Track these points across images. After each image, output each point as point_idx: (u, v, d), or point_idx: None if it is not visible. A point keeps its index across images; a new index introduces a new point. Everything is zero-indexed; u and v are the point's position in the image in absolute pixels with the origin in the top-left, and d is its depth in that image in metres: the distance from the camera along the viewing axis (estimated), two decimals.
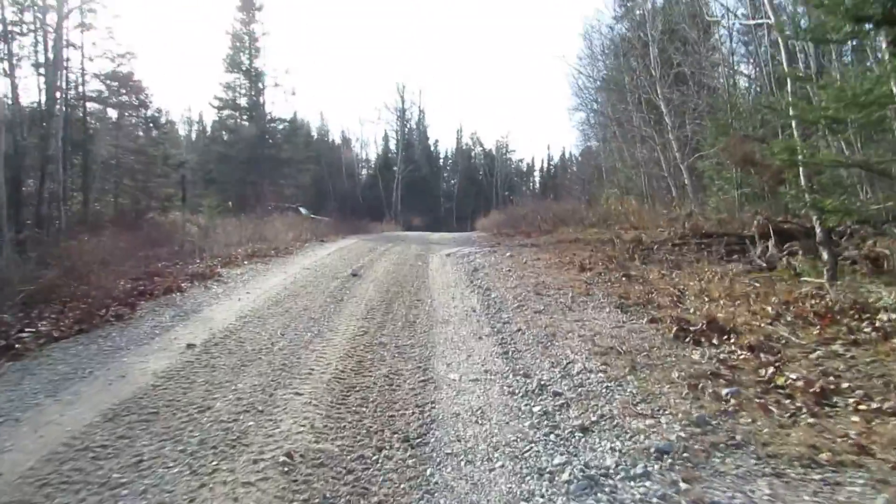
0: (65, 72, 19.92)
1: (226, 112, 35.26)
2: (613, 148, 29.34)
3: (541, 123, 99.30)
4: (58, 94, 20.09)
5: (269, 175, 33.42)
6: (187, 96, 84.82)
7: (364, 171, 61.63)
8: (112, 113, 21.55)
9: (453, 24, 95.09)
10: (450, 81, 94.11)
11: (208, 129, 44.10)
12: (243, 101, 34.80)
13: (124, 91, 21.38)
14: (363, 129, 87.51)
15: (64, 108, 20.40)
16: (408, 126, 59.44)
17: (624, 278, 7.17)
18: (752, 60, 18.91)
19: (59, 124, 18.30)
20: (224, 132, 35.73)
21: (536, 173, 71.95)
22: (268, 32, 34.19)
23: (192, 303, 6.63)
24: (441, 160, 65.44)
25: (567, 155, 67.71)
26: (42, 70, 20.20)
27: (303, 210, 33.13)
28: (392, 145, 59.54)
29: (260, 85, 34.66)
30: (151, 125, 22.98)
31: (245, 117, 35.12)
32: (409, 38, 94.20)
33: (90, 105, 21.10)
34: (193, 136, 55.03)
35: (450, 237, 21.26)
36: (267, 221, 19.49)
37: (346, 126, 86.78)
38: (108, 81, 21.11)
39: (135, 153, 21.43)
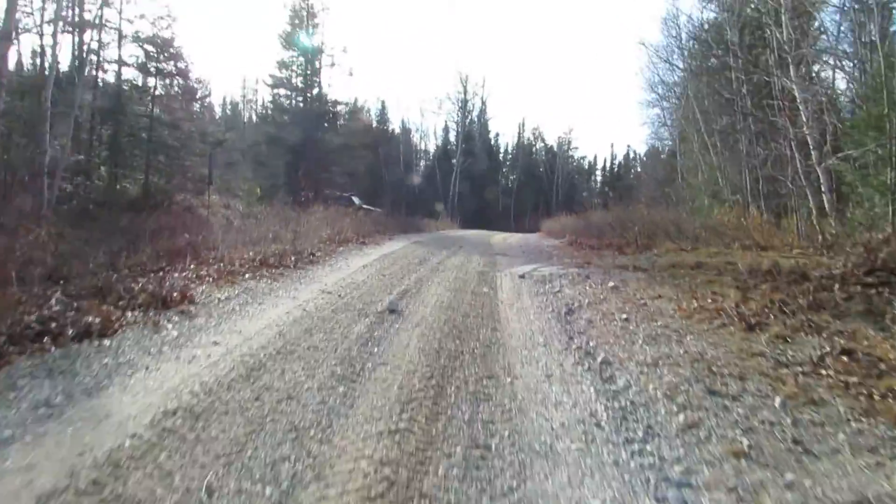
0: (95, 32, 17.95)
1: (280, 91, 33.23)
2: (697, 146, 26.10)
3: (605, 120, 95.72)
4: (88, 56, 18.23)
5: (322, 161, 31.19)
6: (243, 74, 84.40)
7: (422, 163, 59.97)
8: (147, 81, 19.50)
9: (518, 13, 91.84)
10: (513, 74, 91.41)
11: (261, 109, 42.21)
12: (298, 81, 32.68)
13: (162, 57, 19.28)
14: (423, 120, 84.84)
15: (94, 72, 18.53)
16: (469, 118, 57.22)
17: (840, 353, 4.16)
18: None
19: (79, 90, 16.31)
20: (276, 113, 33.68)
21: (598, 172, 69.30)
22: (327, 7, 31.81)
23: (87, 381, 3.96)
24: (501, 154, 63.36)
25: (632, 154, 64.71)
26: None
27: (356, 200, 30.92)
28: (452, 137, 57.76)
29: (316, 64, 32.47)
30: (190, 98, 20.79)
31: (300, 98, 33.00)
32: (474, 27, 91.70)
33: (124, 71, 19.15)
34: (246, 116, 53.80)
35: (515, 242, 18.31)
36: (308, 213, 17.03)
37: (407, 116, 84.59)
38: (146, 46, 19.06)
39: (169, 127, 19.30)
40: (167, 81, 19.95)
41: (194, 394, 3.44)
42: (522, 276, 8.87)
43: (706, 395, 3.57)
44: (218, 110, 59.45)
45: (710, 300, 6.19)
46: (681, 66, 29.26)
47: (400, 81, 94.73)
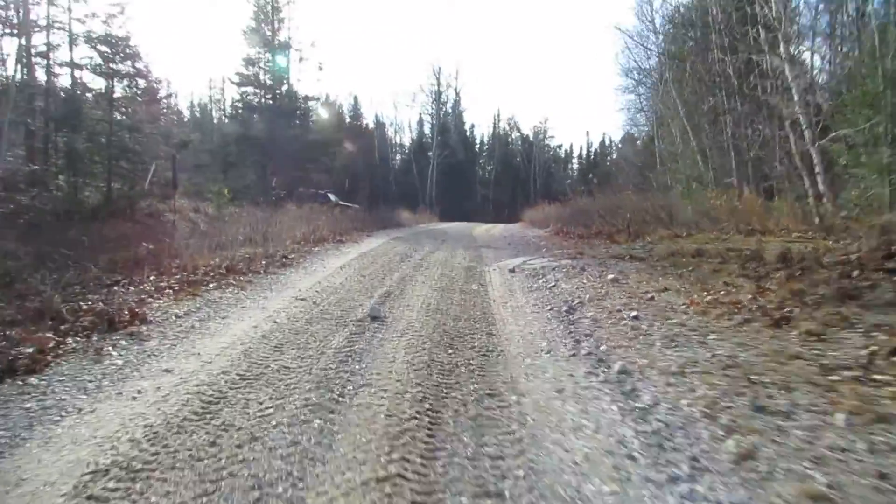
0: (42, 34, 16.93)
1: (247, 89, 32.23)
2: (678, 131, 25.81)
3: (579, 108, 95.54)
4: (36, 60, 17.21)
5: (295, 159, 30.34)
6: (210, 74, 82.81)
7: (398, 157, 59.54)
8: (101, 84, 18.49)
9: (490, 4, 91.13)
10: (487, 64, 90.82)
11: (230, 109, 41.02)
12: (266, 78, 31.73)
13: (118, 58, 18.29)
14: (397, 114, 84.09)
15: (46, 77, 17.51)
16: (443, 110, 56.82)
17: (890, 353, 3.62)
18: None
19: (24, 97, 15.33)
20: (245, 111, 32.67)
21: (574, 160, 69.38)
22: (293, 1, 30.84)
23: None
24: (477, 146, 63.16)
25: (607, 141, 64.92)
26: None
27: (332, 196, 30.17)
28: (427, 129, 57.39)
29: (284, 60, 31.55)
30: (151, 99, 19.80)
31: (268, 95, 32.06)
32: (445, 18, 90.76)
33: (78, 74, 18.11)
34: (216, 117, 52.45)
35: (499, 234, 17.76)
36: (281, 212, 16.28)
37: (380, 110, 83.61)
38: (100, 46, 18.05)
39: (130, 130, 18.34)
40: (125, 83, 18.99)
41: (135, 442, 2.78)
42: (513, 271, 8.28)
43: (753, 412, 2.98)
44: (186, 112, 57.79)
45: (722, 292, 5.65)
46: (656, 50, 29.02)
47: (372, 76, 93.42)
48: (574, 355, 4.24)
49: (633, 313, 5.18)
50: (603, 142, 66.43)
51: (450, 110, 58.43)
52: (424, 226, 24.61)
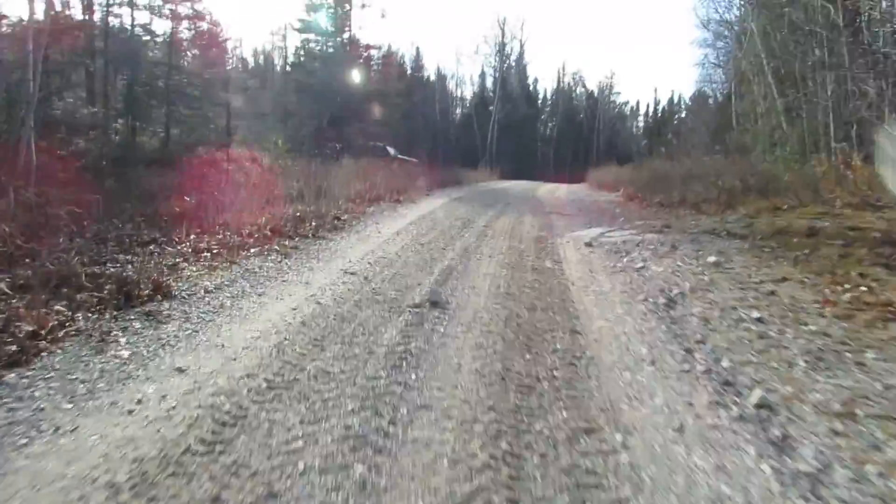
0: None
1: (309, 36, 31.40)
2: (761, 87, 23.72)
3: (647, 64, 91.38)
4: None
5: (355, 109, 29.58)
6: (274, 21, 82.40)
7: (458, 111, 58.24)
8: (161, 26, 18.01)
9: None
10: (552, 15, 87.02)
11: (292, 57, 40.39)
12: (328, 25, 30.79)
13: None
14: (459, 67, 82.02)
15: (105, 17, 17.08)
16: (507, 62, 54.80)
17: None
18: None
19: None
20: (305, 59, 31.93)
21: (640, 118, 66.47)
22: None
23: None
24: (539, 101, 61.00)
25: (676, 99, 61.75)
26: None
27: (390, 150, 29.42)
28: (489, 83, 55.79)
29: (347, 5, 30.48)
30: (209, 43, 19.23)
31: (330, 43, 31.18)
32: None
33: (136, 16, 17.62)
34: (278, 65, 52.07)
35: (565, 196, 16.65)
36: (337, 165, 15.59)
37: (442, 63, 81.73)
38: None
39: (188, 75, 17.86)
40: (185, 25, 18.44)
41: (113, 489, 2.04)
42: (589, 245, 7.28)
43: None
44: (251, 60, 58.00)
45: (863, 288, 4.54)
46: None
47: (434, 26, 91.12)
48: (687, 371, 3.30)
49: (755, 313, 4.16)
50: (671, 99, 63.32)
51: (513, 63, 56.47)
52: (485, 184, 23.57)
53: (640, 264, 6.04)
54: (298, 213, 8.34)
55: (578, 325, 4.18)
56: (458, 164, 36.37)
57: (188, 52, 18.44)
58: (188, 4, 17.78)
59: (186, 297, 4.28)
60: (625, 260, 6.35)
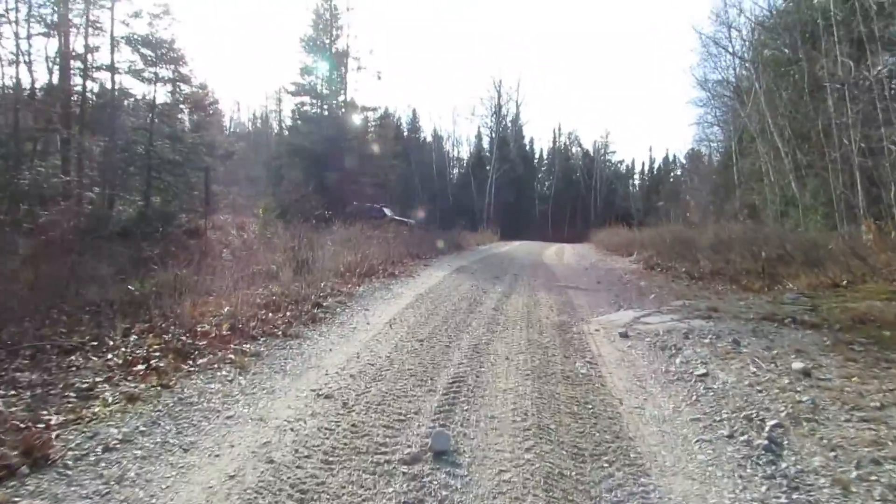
0: (81, 34, 15.60)
1: (303, 99, 30.89)
2: (766, 146, 23.01)
3: (641, 123, 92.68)
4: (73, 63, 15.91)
5: (350, 172, 28.73)
6: (269, 85, 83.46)
7: (455, 171, 58.13)
8: (144, 89, 17.09)
9: (552, 14, 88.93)
10: (548, 76, 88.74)
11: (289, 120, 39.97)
12: (323, 87, 30.32)
13: (161, 62, 16.87)
14: (456, 127, 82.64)
15: (83, 81, 16.16)
16: (503, 123, 54.98)
17: None
18: None
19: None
20: (300, 122, 31.31)
21: (636, 176, 66.62)
22: (352, 7, 29.36)
23: None
24: (536, 160, 61.16)
25: (671, 157, 62.12)
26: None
27: (387, 211, 28.47)
28: (486, 143, 56.00)
29: (342, 68, 30.09)
30: (195, 107, 18.31)
31: (324, 105, 30.62)
32: (507, 31, 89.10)
33: (117, 79, 16.72)
34: (275, 128, 51.85)
35: (573, 261, 15.42)
36: (328, 232, 14.38)
37: (439, 123, 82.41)
38: (142, 49, 16.67)
39: (171, 139, 16.85)
40: (168, 89, 17.56)
41: None
42: (625, 335, 5.93)
43: None
44: (248, 125, 57.93)
45: None
46: (739, 57, 26.43)
47: (431, 88, 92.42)
48: None
49: None
50: (666, 158, 63.83)
51: (509, 124, 56.89)
52: (486, 248, 22.33)
53: (701, 369, 4.67)
54: (274, 297, 7.02)
55: (651, 485, 2.81)
56: (456, 224, 35.51)
57: (172, 117, 17.44)
58: (171, 68, 16.96)
59: (72, 462, 2.85)
60: (677, 361, 4.99)
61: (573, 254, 19.65)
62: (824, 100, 17.94)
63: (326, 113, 29.85)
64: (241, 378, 4.24)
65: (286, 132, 36.72)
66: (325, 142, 27.60)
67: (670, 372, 4.74)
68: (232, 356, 4.61)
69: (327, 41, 29.65)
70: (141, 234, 14.71)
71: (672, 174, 62.73)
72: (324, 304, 7.00)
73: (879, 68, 13.65)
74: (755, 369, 4.58)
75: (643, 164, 66.74)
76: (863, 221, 10.43)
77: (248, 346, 5.00)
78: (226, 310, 6.00)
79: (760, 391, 4.11)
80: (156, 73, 16.80)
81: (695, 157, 47.90)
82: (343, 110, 30.36)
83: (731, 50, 27.78)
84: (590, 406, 3.94)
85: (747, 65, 25.71)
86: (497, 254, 18.48)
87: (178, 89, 17.30)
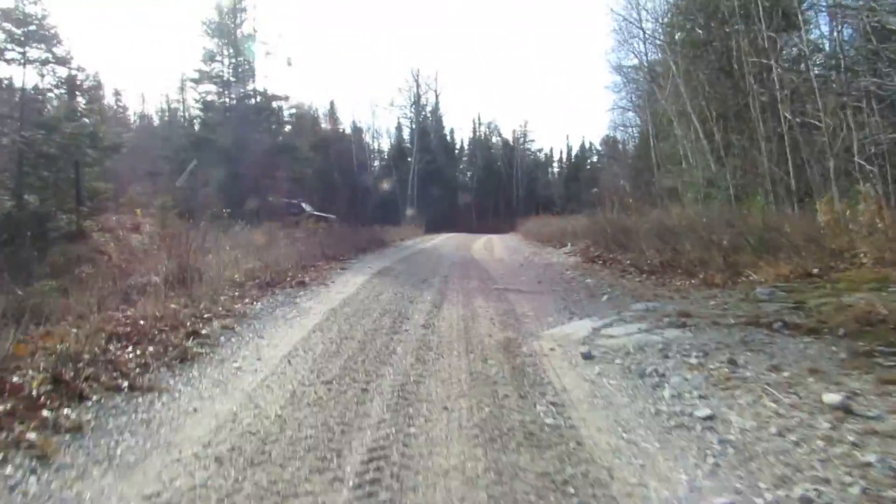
0: None
1: (208, 87, 28.47)
2: (684, 128, 22.87)
3: (558, 112, 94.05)
4: None
5: (263, 165, 26.67)
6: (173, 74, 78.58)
7: (376, 163, 56.71)
8: (12, 73, 14.66)
9: (468, 7, 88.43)
10: (465, 67, 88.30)
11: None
12: (229, 75, 28.03)
13: (30, 40, 14.49)
14: (375, 119, 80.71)
15: None
16: (423, 114, 53.98)
17: None
18: None
19: None
20: (205, 112, 28.88)
21: (555, 164, 67.46)
22: None
23: None
24: (457, 151, 60.52)
25: (587, 145, 63.50)
26: None
27: (306, 207, 26.68)
28: (406, 134, 55.04)
29: (249, 54, 27.93)
30: (74, 92, 15.94)
31: (231, 94, 28.34)
32: (424, 21, 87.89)
33: None
34: (185, 120, 48.43)
35: (506, 255, 14.30)
36: (233, 233, 12.62)
37: (358, 116, 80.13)
38: (5, 24, 14.24)
39: (45, 129, 14.51)
40: (40, 71, 15.15)
41: None
42: (589, 357, 4.71)
43: None
44: (155, 117, 53.88)
45: None
46: (654, 40, 26.33)
47: (349, 80, 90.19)
48: None
49: None
50: (583, 145, 65.16)
51: (429, 115, 56.19)
52: (411, 243, 20.95)
53: (703, 408, 3.50)
54: (142, 322, 5.39)
55: None
56: (378, 217, 34.20)
57: (46, 104, 15.08)
58: (43, 47, 14.61)
59: None
60: (666, 395, 3.80)
61: (503, 247, 18.58)
62: (743, 77, 17.64)
63: (234, 102, 27.63)
64: (31, 479, 2.69)
65: (192, 124, 34.03)
66: (233, 133, 25.47)
67: (662, 414, 3.54)
68: (32, 435, 3.03)
69: (231, 24, 27.40)
70: (7, 238, 12.51)
71: (589, 161, 64.02)
72: (203, 330, 5.39)
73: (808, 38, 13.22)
74: (774, 405, 3.44)
75: (561, 151, 67.85)
76: (818, 201, 9.69)
77: (69, 411, 3.40)
78: (61, 346, 4.37)
79: (799, 445, 2.96)
80: (24, 54, 14.42)
81: (611, 144, 48.47)
82: (253, 99, 28.24)
83: (645, 32, 27.58)
84: (571, 490, 2.66)
85: (663, 46, 25.56)
86: (423, 250, 17.13)
87: (52, 71, 14.93)
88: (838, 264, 6.92)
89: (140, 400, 3.69)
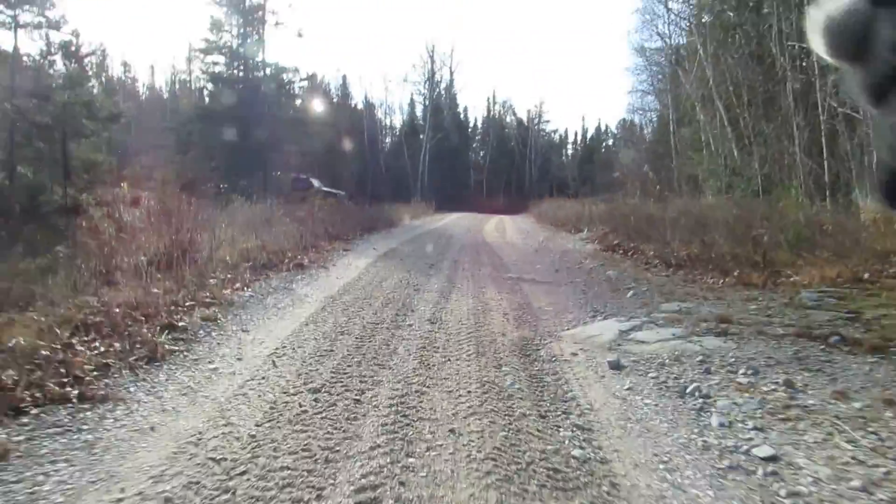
0: None
1: (215, 59, 27.70)
2: (705, 116, 22.09)
3: (575, 93, 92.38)
4: None
5: (272, 139, 26.02)
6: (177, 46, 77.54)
7: (388, 139, 55.92)
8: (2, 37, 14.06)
9: None
10: (481, 43, 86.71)
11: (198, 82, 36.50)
12: (237, 45, 27.23)
13: (21, 3, 13.84)
14: (388, 95, 79.53)
15: None
16: (437, 90, 52.93)
17: None
18: None
19: None
20: (212, 84, 28.18)
21: (569, 146, 66.26)
22: None
23: None
24: (470, 129, 59.47)
25: (603, 128, 62.27)
26: None
27: (315, 182, 26.08)
28: (419, 111, 54.04)
29: (258, 25, 27.12)
30: (70, 58, 15.30)
31: (239, 65, 27.58)
32: None
33: None
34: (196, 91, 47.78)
35: (518, 239, 13.63)
36: (232, 210, 12.06)
37: (370, 91, 78.99)
38: None
39: (38, 97, 13.93)
40: (33, 35, 14.52)
41: None
42: (617, 367, 4.10)
43: None
44: (164, 90, 53.26)
45: None
46: (688, 19, 25.38)
47: (362, 55, 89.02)
48: None
49: None
50: (598, 128, 63.84)
51: (443, 91, 55.19)
52: (420, 222, 20.33)
53: (763, 445, 2.88)
54: (118, 310, 4.81)
55: None
56: (388, 195, 33.65)
57: (39, 71, 14.47)
58: (35, 10, 13.97)
59: None
60: (714, 422, 3.19)
61: (515, 229, 17.91)
62: (773, 63, 16.88)
63: (241, 74, 26.87)
64: None
65: (200, 96, 33.36)
66: (241, 105, 24.78)
67: (712, 449, 2.92)
68: None
69: None
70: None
71: (604, 144, 62.97)
72: (181, 322, 4.80)
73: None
74: (850, 447, 2.82)
75: (576, 133, 66.61)
76: (860, 197, 8.95)
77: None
78: (14, 342, 3.80)
79: None
80: (14, 17, 13.79)
81: (628, 127, 47.40)
82: (262, 71, 27.48)
83: (671, 12, 26.72)
84: None
85: (691, 28, 24.66)
86: (432, 231, 16.50)
87: (45, 38, 14.30)
88: (887, 268, 6.23)
89: (89, 414, 3.11)
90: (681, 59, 26.30)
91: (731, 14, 21.15)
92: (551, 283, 7.52)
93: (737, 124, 19.37)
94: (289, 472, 2.59)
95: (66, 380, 3.38)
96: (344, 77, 53.24)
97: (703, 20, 23.11)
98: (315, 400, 3.42)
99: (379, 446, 2.86)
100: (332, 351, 4.37)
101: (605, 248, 10.71)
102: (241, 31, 26.68)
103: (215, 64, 27.42)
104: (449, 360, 4.26)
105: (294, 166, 28.63)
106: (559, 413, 3.36)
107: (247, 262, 7.74)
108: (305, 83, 33.83)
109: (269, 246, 8.76)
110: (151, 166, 23.66)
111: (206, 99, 27.99)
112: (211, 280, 6.45)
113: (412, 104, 54.51)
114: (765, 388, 3.57)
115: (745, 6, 21.18)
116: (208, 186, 20.00)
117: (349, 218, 13.79)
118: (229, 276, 6.97)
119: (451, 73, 53.55)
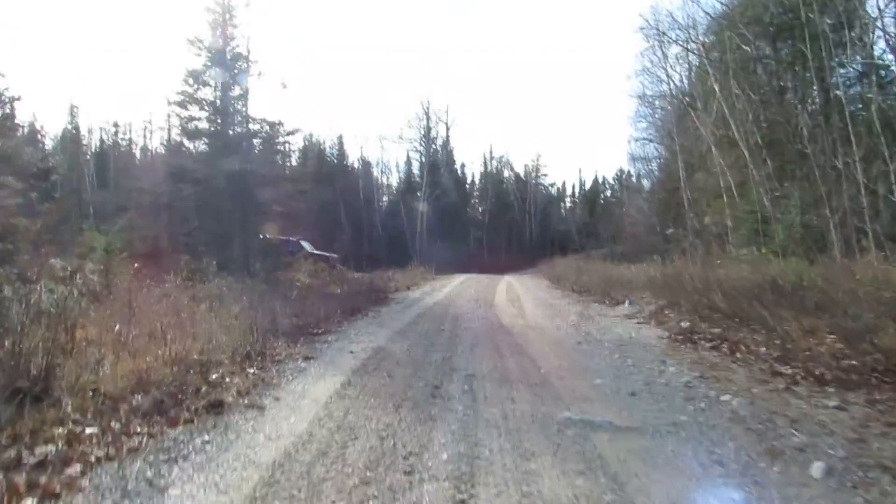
0: None
1: (189, 112, 25.27)
2: (727, 160, 20.30)
3: (571, 144, 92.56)
4: None
5: (254, 199, 23.46)
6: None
7: (385, 198, 54.21)
8: None
9: (479, 39, 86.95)
10: (476, 100, 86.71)
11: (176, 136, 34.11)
12: (216, 97, 24.94)
13: None
14: (384, 153, 78.37)
15: None
16: (433, 147, 51.54)
17: None
18: None
19: None
20: (185, 138, 25.76)
21: (567, 199, 64.31)
22: (249, 2, 24.40)
23: None
24: (468, 185, 58.17)
25: (600, 179, 61.37)
26: None
27: (305, 245, 23.66)
28: (415, 169, 52.50)
29: (238, 73, 24.91)
30: None
31: (217, 119, 25.17)
32: (434, 53, 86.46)
33: None
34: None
35: (542, 317, 10.62)
36: (199, 289, 9.14)
37: (366, 150, 77.75)
38: None
39: None
40: None
41: None
42: None
43: None
44: (136, 148, 51.03)
45: None
46: (702, 56, 23.71)
47: (357, 114, 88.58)
48: None
49: None
50: (596, 179, 62.98)
51: (439, 148, 53.99)
52: (418, 294, 17.36)
53: None
54: None
55: None
56: (385, 256, 31.46)
57: None
58: None
59: None
60: None
61: (532, 300, 14.88)
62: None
63: (220, 128, 24.44)
64: None
65: (175, 152, 30.99)
66: (218, 163, 22.29)
67: None
68: None
69: (221, 41, 24.38)
70: None
71: (602, 196, 61.81)
72: None
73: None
74: None
75: (573, 186, 65.44)
76: None
77: None
78: None
79: None
80: None
81: (629, 178, 45.77)
82: (245, 126, 25.10)
83: (686, 50, 25.12)
84: None
85: (705, 65, 23.12)
86: (433, 308, 13.36)
87: None
88: None
89: None
90: (693, 100, 24.85)
91: (749, 48, 19.72)
92: (639, 429, 4.37)
93: (763, 165, 17.58)
94: None
95: None
96: (340, 137, 51.52)
97: (719, 56, 21.70)
98: None
99: None
100: None
101: (676, 336, 7.60)
102: (222, 82, 24.48)
103: (192, 119, 25.05)
104: None
105: (283, 229, 26.21)
106: None
107: (140, 394, 4.74)
108: (294, 139, 31.70)
109: (192, 353, 5.78)
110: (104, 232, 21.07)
111: (181, 155, 25.61)
112: (48, 446, 3.46)
113: (409, 162, 53.31)
114: None
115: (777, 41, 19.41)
116: (177, 255, 17.40)
117: (327, 300, 10.79)
118: (90, 429, 3.97)
119: (447, 129, 52.54)
